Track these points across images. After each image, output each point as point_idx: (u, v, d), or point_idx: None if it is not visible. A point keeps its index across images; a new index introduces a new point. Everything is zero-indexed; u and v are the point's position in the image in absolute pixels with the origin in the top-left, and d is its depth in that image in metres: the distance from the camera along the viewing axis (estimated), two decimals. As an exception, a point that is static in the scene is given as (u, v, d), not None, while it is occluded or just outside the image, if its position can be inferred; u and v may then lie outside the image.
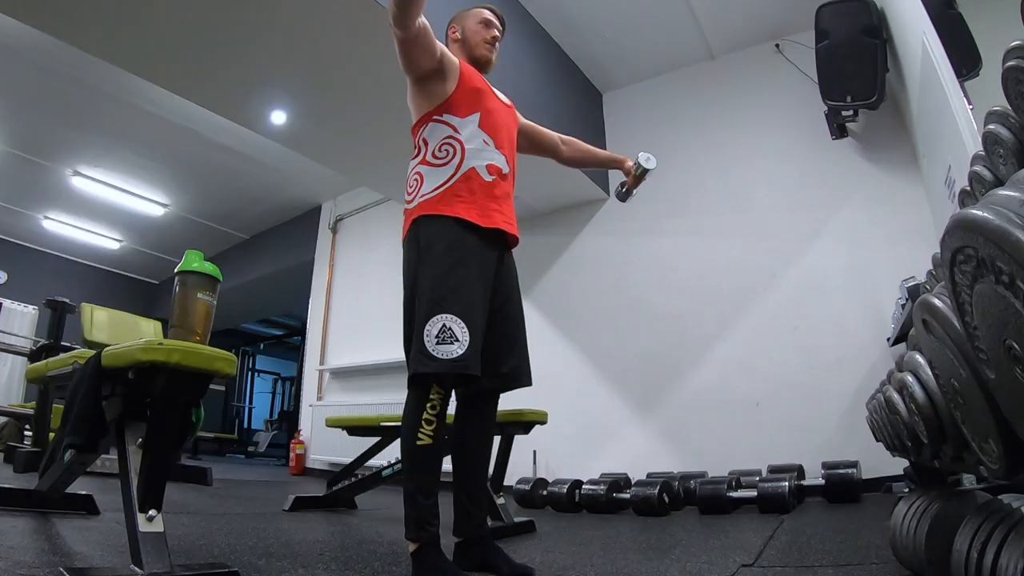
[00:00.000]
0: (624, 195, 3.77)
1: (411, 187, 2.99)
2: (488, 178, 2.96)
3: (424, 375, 2.64)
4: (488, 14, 3.41)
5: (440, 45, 2.98)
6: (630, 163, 3.71)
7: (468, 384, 2.92)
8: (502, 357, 2.99)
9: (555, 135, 3.82)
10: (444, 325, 2.64)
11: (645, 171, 3.67)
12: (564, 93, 7.49)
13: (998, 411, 1.23)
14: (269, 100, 6.24)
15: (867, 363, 5.51)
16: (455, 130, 2.97)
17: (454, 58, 3.09)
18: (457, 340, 2.63)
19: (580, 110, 7.87)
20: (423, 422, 2.65)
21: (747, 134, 7.04)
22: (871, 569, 2.60)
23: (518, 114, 3.54)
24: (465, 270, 2.78)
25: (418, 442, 2.64)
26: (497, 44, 3.40)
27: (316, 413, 9.95)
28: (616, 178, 4.00)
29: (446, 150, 2.94)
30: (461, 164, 2.92)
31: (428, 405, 2.66)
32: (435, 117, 3.00)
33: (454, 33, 3.41)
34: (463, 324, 2.66)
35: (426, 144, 3.00)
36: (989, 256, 0.95)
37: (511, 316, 3.10)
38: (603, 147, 7.82)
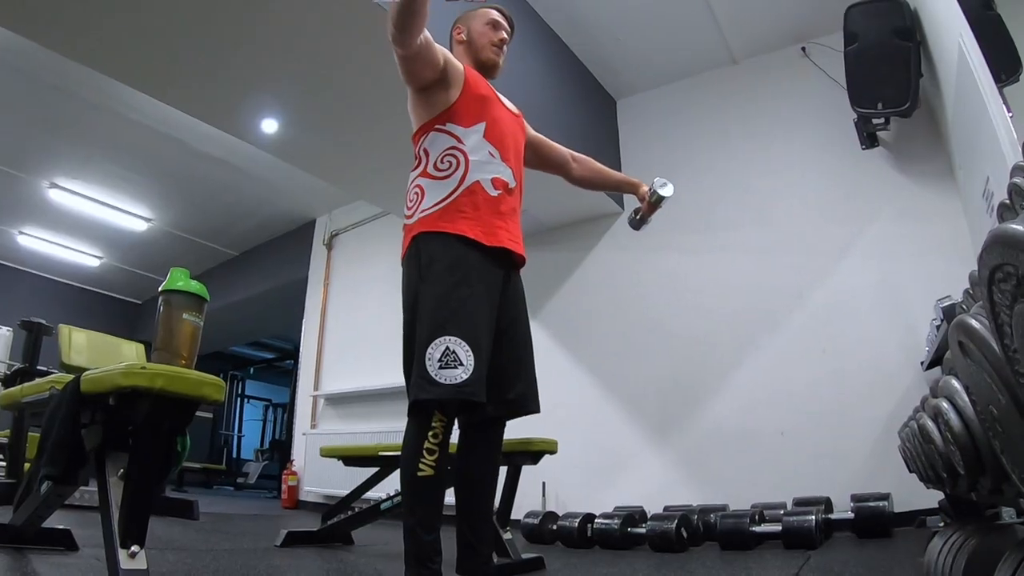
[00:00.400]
0: (638, 223, 3.74)
1: (411, 201, 2.98)
2: (493, 193, 2.95)
3: (426, 401, 2.63)
4: (496, 15, 3.39)
5: (443, 52, 2.97)
6: (645, 188, 3.68)
7: (472, 411, 2.91)
8: (508, 382, 2.98)
9: (566, 151, 3.80)
10: (447, 348, 2.62)
11: (661, 198, 3.62)
12: (575, 100, 7.50)
13: (1040, 440, 1.23)
14: (259, 107, 6.25)
15: (899, 388, 5.48)
16: (458, 140, 2.95)
17: (458, 64, 3.08)
18: (461, 364, 2.61)
19: (592, 118, 7.88)
20: (425, 452, 2.62)
21: (771, 143, 7.04)
22: (905, 609, 2.59)
23: (527, 124, 3.53)
24: (469, 290, 2.77)
25: (419, 473, 2.61)
26: (505, 47, 3.38)
27: (310, 442, 9.90)
28: (630, 200, 3.99)
29: (448, 162, 2.93)
30: (464, 177, 2.90)
31: (430, 433, 2.64)
32: (437, 126, 2.99)
33: (459, 34, 3.39)
34: (467, 347, 2.64)
35: (427, 155, 2.98)
36: (1030, 274, 0.95)
37: (518, 339, 3.09)
38: (617, 157, 7.89)
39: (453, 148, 2.95)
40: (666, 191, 3.60)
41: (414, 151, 3.10)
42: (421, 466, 2.61)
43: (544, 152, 3.69)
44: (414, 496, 2.66)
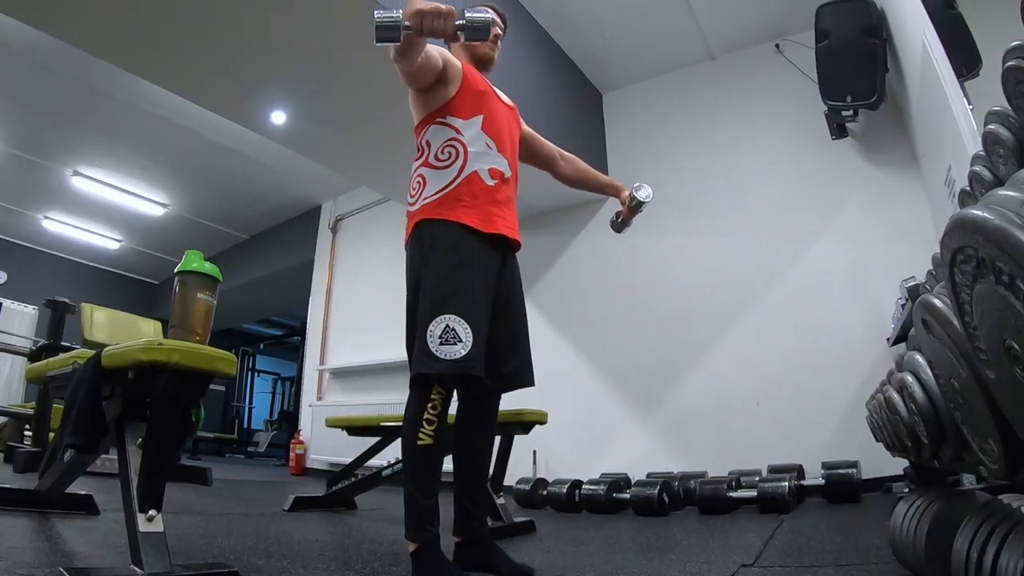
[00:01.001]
0: (619, 226, 3.70)
1: (414, 190, 2.98)
2: (490, 182, 2.95)
3: (427, 375, 2.64)
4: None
5: (441, 54, 2.96)
6: (626, 193, 3.64)
7: (471, 384, 2.92)
8: (505, 357, 2.99)
9: (555, 148, 3.79)
10: (447, 325, 2.63)
11: (640, 203, 3.58)
12: (564, 93, 7.49)
13: (998, 411, 1.24)
14: (269, 100, 6.25)
15: (867, 363, 5.50)
16: (458, 132, 2.95)
17: (456, 61, 3.06)
18: (460, 340, 2.62)
19: (580, 110, 7.87)
20: (424, 422, 2.63)
21: (747, 134, 7.05)
22: (871, 569, 2.60)
23: (521, 119, 3.53)
24: (468, 271, 2.77)
25: (419, 442, 2.62)
26: (499, 43, 3.37)
27: (316, 413, 9.96)
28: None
29: (448, 152, 2.93)
30: (463, 167, 2.90)
31: (429, 405, 2.65)
32: (438, 119, 2.98)
33: None
34: (466, 324, 2.65)
35: (429, 146, 2.98)
36: (989, 256, 0.95)
37: (514, 317, 3.10)
38: (603, 148, 7.91)
39: (453, 139, 2.94)
40: (643, 194, 3.56)
41: (417, 143, 3.09)
42: (421, 435, 2.62)
43: (535, 147, 3.68)
44: (414, 463, 2.68)
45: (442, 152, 2.93)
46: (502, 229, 2.96)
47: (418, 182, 2.96)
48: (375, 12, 2.37)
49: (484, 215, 2.89)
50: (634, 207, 3.59)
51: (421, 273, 2.80)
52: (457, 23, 2.47)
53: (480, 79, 3.17)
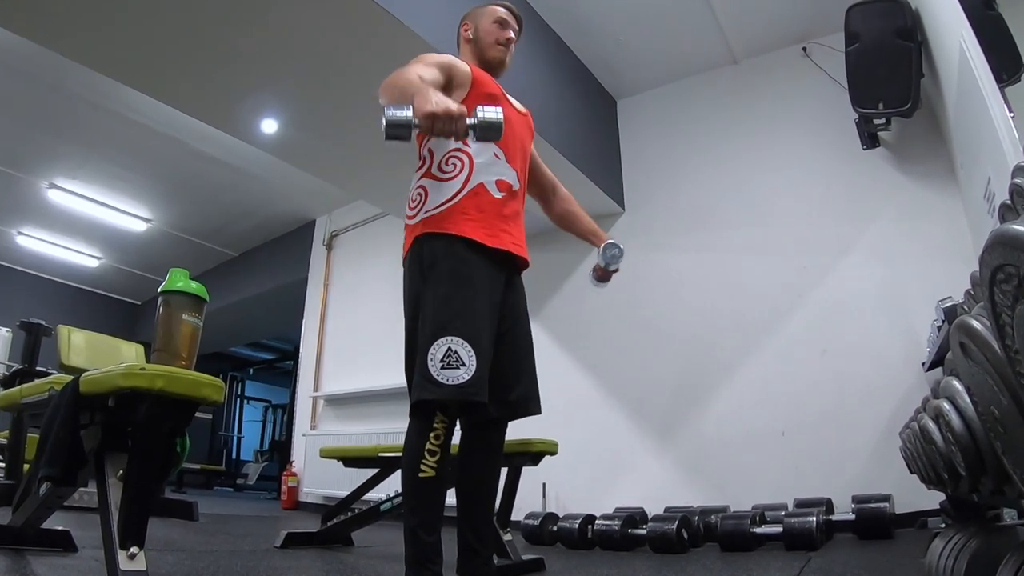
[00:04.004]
0: (595, 282, 3.71)
1: (414, 202, 2.96)
2: (498, 195, 2.95)
3: (428, 402, 2.63)
4: (504, 12, 3.41)
5: (443, 64, 2.97)
6: (600, 247, 3.64)
7: (474, 412, 2.90)
8: (509, 384, 2.98)
9: (553, 179, 3.77)
10: (449, 348, 2.62)
11: (608, 268, 3.60)
12: (576, 100, 7.49)
13: (1041, 441, 1.23)
14: (259, 107, 6.24)
15: (900, 390, 5.48)
16: (463, 142, 2.92)
17: (464, 66, 3.08)
18: (463, 364, 2.61)
19: (593, 118, 7.87)
20: (426, 453, 2.62)
21: (772, 143, 7.05)
22: (906, 610, 2.60)
23: (533, 128, 3.52)
24: (471, 291, 2.77)
25: (420, 474, 2.61)
26: (512, 45, 3.39)
27: (310, 443, 9.92)
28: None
29: (453, 164, 2.92)
30: (469, 179, 2.90)
31: (432, 435, 2.64)
32: None
33: (466, 31, 3.42)
34: (469, 347, 2.64)
35: (431, 155, 2.98)
36: (1032, 275, 0.95)
37: (519, 341, 3.10)
38: (617, 157, 7.93)
39: (458, 150, 2.94)
40: (607, 258, 3.57)
41: (418, 151, 3.10)
42: (423, 467, 2.61)
43: (536, 173, 3.61)
44: (416, 497, 2.66)
45: (446, 163, 2.93)
46: (508, 245, 2.96)
47: (419, 194, 2.96)
48: (386, 109, 2.45)
49: (490, 229, 2.89)
50: (606, 269, 3.61)
51: (421, 292, 2.80)
52: (468, 123, 2.51)
53: (491, 82, 3.19)
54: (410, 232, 2.95)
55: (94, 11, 4.78)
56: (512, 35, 3.39)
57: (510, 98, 3.31)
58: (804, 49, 7.00)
